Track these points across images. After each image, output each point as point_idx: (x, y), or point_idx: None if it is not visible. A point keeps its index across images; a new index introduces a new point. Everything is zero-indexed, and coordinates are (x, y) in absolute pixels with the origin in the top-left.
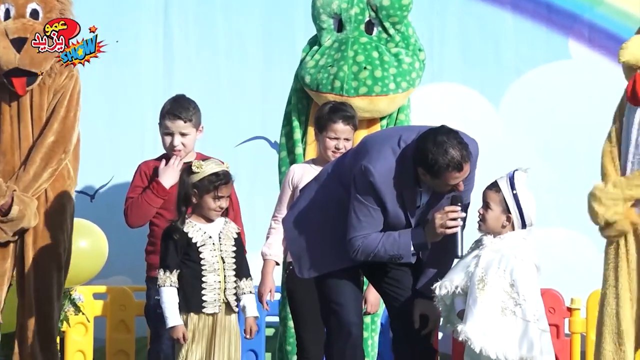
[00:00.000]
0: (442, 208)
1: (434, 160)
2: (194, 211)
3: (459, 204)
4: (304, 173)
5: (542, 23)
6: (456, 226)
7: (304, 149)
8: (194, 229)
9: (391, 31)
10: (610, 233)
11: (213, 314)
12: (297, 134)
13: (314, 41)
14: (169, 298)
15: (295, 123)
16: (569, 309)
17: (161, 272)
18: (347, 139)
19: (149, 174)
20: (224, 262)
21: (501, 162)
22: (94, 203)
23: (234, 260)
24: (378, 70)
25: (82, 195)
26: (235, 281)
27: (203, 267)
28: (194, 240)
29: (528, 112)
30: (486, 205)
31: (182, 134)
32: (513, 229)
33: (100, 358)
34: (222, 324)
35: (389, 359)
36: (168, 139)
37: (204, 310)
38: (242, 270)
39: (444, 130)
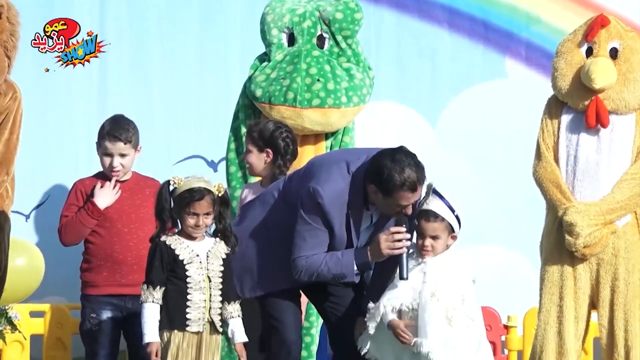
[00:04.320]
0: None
1: (389, 177)
2: (181, 229)
3: (404, 225)
4: (257, 193)
5: (479, 41)
6: (402, 247)
7: None
8: (182, 246)
9: (343, 45)
10: (593, 252)
11: (197, 333)
12: None
13: (262, 58)
14: (150, 314)
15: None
16: (506, 327)
17: (144, 287)
18: None
19: (84, 192)
20: (210, 281)
21: (438, 181)
22: (29, 222)
23: (220, 280)
24: (330, 83)
25: (17, 215)
26: (221, 302)
27: (189, 285)
28: (180, 257)
29: (465, 131)
30: (434, 237)
31: (122, 155)
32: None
33: None
34: (207, 344)
35: None
36: (107, 160)
37: (187, 328)
38: (229, 293)
39: (402, 150)
